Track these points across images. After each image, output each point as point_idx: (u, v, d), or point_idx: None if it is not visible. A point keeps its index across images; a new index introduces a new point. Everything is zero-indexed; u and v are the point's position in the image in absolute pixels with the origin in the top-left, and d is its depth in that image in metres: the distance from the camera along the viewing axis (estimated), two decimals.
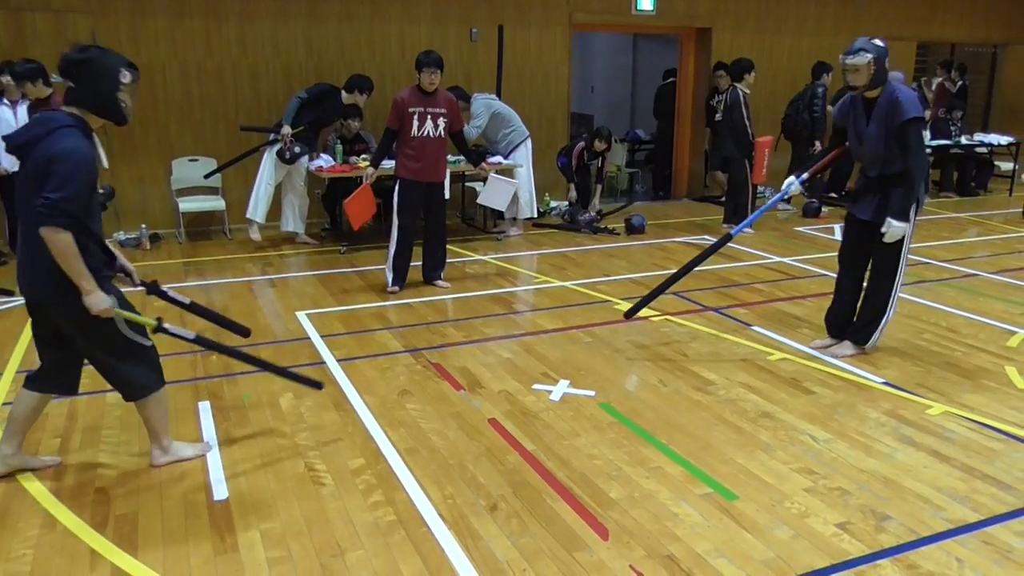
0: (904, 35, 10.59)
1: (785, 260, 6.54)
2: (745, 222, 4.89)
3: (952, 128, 9.86)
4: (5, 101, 6.01)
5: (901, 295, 5.44)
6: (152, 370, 2.98)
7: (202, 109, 7.36)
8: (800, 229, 7.86)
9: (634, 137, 11.42)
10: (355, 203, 5.47)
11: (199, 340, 3.10)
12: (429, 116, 5.31)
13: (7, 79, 5.94)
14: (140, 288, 3.05)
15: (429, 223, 5.60)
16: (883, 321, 4.22)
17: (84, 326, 2.75)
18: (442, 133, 5.38)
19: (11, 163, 6.01)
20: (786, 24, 9.74)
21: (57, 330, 2.86)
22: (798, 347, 4.42)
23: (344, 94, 6.86)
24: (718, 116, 8.42)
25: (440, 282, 5.71)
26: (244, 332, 3.47)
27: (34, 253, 2.65)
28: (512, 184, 6.22)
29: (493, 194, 6.08)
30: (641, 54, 12.17)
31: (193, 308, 3.25)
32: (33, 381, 2.95)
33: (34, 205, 2.56)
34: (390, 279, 5.55)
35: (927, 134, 9.65)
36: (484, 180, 6.10)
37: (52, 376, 2.95)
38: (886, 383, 3.93)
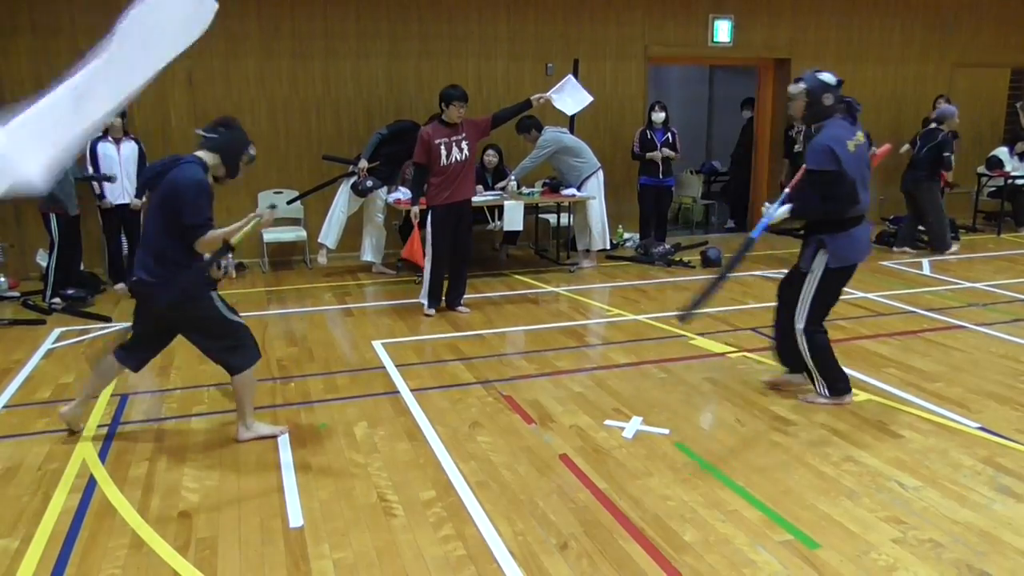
0: (997, 62, 10.14)
1: (869, 296, 6.30)
2: (762, 224, 4.05)
3: None
4: (109, 139, 6.41)
5: (993, 333, 5.18)
6: (250, 346, 3.54)
7: (287, 144, 7.69)
8: (886, 264, 7.56)
9: (710, 169, 11.25)
10: (412, 248, 5.71)
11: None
12: (454, 144, 5.58)
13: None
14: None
15: (456, 245, 5.76)
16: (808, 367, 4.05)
17: (196, 320, 3.46)
18: (467, 155, 5.61)
19: (116, 196, 6.40)
20: (869, 52, 9.48)
21: (166, 328, 3.58)
22: (884, 387, 4.23)
23: None
24: (797, 147, 8.23)
25: (461, 308, 5.88)
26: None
27: (160, 267, 3.34)
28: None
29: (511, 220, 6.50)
30: (718, 85, 12.04)
31: None
32: (121, 350, 3.64)
33: (162, 225, 3.34)
34: (426, 303, 5.80)
35: (1011, 161, 9.19)
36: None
37: (134, 352, 3.64)
38: (981, 428, 3.71)
